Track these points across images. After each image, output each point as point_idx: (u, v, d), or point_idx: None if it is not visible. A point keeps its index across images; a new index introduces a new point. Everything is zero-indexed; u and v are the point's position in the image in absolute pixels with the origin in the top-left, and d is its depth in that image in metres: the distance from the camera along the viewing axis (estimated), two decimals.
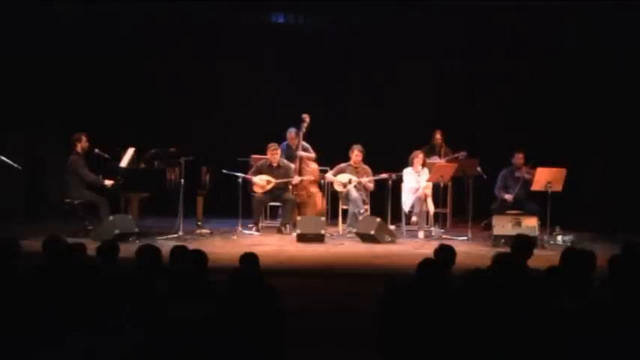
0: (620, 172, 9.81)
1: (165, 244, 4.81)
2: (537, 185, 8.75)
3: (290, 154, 9.77)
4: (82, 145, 8.70)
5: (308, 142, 9.79)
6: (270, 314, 3.76)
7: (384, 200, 9.41)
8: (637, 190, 9.57)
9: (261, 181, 9.37)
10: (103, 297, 4.06)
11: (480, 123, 10.72)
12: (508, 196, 9.05)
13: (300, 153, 9.62)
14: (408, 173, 9.45)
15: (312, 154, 9.75)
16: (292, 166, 9.61)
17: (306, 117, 9.62)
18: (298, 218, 9.04)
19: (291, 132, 9.77)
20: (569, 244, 8.17)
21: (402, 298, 3.95)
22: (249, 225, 9.36)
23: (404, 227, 9.41)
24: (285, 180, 9.44)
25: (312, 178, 9.64)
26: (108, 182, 8.65)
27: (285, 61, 11.02)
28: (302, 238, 8.69)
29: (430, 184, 9.32)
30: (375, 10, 10.46)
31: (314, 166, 9.74)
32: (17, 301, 4.02)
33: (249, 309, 3.68)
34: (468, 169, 9.42)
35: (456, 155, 10.12)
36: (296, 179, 9.48)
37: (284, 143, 9.85)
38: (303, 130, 9.66)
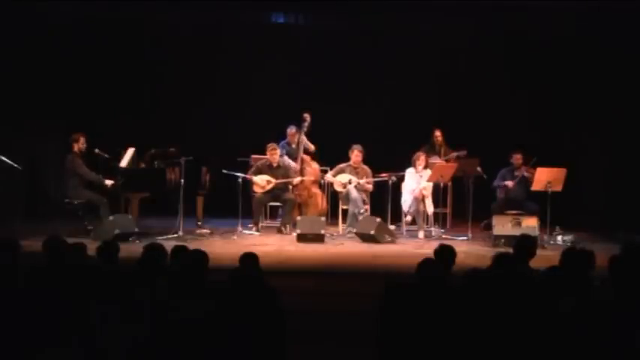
0: (620, 172, 9.81)
1: (166, 244, 4.80)
2: (537, 185, 8.76)
3: (289, 152, 9.77)
4: (79, 145, 8.69)
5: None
6: (270, 314, 3.76)
7: (384, 200, 9.41)
8: (637, 190, 9.57)
9: (262, 181, 9.38)
10: (103, 296, 4.06)
11: (480, 123, 10.72)
12: (509, 182, 9.05)
13: (303, 154, 9.63)
14: (409, 173, 9.45)
15: (311, 147, 9.75)
16: (293, 165, 9.61)
17: (307, 116, 9.63)
18: (298, 218, 9.04)
19: (292, 129, 9.75)
20: (569, 244, 8.17)
21: (402, 297, 3.95)
22: (249, 225, 9.36)
23: (404, 227, 9.42)
24: (286, 180, 9.44)
25: (313, 178, 9.65)
26: (108, 182, 8.65)
27: (285, 61, 11.02)
28: (302, 238, 8.69)
29: (430, 184, 9.31)
30: (375, 9, 10.45)
31: (315, 166, 9.74)
32: (17, 301, 4.02)
33: (250, 309, 3.68)
34: (468, 169, 9.43)
35: (457, 154, 10.13)
36: (297, 180, 9.49)
37: (283, 141, 9.84)
38: (305, 129, 9.67)
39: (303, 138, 9.70)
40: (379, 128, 10.86)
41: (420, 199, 9.25)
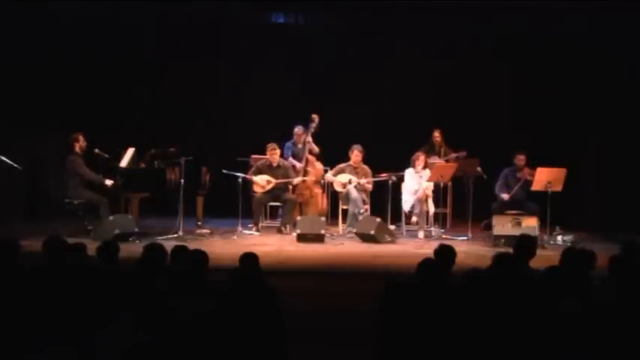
0: (620, 172, 9.80)
1: (166, 244, 4.80)
2: (537, 185, 8.75)
3: (296, 152, 9.76)
4: (80, 144, 8.70)
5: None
6: (270, 314, 3.76)
7: (384, 200, 9.41)
8: (637, 190, 9.56)
9: (262, 181, 9.38)
10: (103, 296, 4.06)
11: (480, 123, 10.72)
12: (504, 195, 9.05)
13: (308, 154, 9.63)
14: (409, 174, 9.44)
15: (315, 149, 9.75)
16: (297, 164, 9.61)
17: (316, 117, 9.62)
18: (298, 218, 9.04)
19: (299, 129, 9.73)
20: (569, 244, 8.17)
21: (402, 297, 3.95)
22: (249, 225, 9.36)
23: (404, 227, 9.41)
24: (286, 180, 9.44)
25: (314, 178, 9.65)
26: (108, 182, 8.65)
27: (285, 62, 11.01)
28: (302, 238, 8.69)
29: (431, 184, 9.31)
30: (375, 9, 10.45)
31: (319, 166, 9.74)
32: (17, 301, 4.02)
33: (249, 309, 3.68)
34: (468, 169, 9.43)
35: (457, 155, 10.13)
36: (297, 180, 9.49)
37: (289, 142, 9.84)
38: (312, 130, 9.67)
39: (309, 139, 9.69)
40: (379, 128, 10.85)
41: (423, 200, 9.25)
